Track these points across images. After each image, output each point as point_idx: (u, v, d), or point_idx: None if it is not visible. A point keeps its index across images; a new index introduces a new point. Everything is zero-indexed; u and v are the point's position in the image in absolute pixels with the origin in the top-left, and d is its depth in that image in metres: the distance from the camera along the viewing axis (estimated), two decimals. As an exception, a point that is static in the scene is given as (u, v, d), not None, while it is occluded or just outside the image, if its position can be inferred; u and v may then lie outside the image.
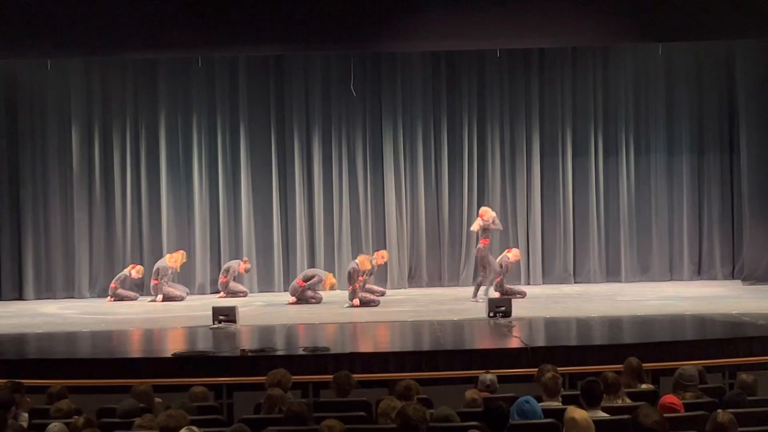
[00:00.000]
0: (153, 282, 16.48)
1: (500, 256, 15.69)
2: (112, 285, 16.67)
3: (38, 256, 17.50)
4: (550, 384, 7.50)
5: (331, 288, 15.93)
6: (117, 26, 13.22)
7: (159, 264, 16.52)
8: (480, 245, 15.47)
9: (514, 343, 11.18)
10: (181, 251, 16.76)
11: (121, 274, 16.74)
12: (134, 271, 16.78)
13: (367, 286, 15.75)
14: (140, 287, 17.13)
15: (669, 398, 7.14)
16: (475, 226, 15.59)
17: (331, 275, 16.14)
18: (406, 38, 13.91)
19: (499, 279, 15.51)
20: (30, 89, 17.50)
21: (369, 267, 15.42)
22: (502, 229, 16.00)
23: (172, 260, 16.48)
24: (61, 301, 16.94)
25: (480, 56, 17.72)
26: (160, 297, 16.29)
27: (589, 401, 7.03)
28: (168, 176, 17.67)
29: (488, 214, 15.53)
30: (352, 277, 15.01)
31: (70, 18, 13.11)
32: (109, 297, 16.70)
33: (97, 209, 17.64)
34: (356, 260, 15.35)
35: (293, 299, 15.73)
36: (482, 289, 15.35)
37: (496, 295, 15.09)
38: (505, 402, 7.03)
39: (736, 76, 17.41)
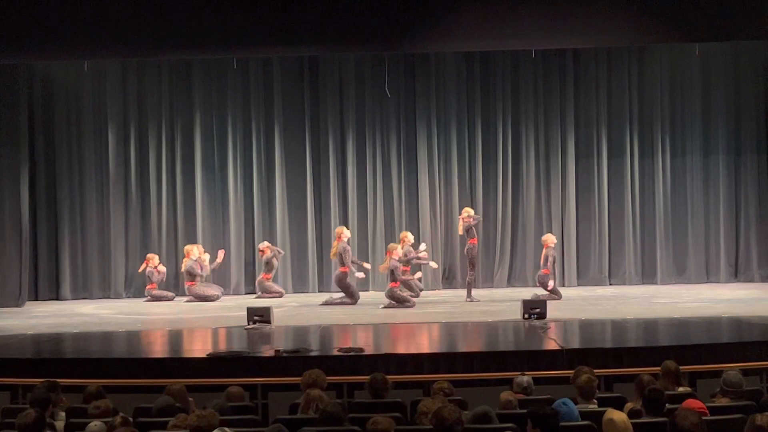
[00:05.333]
0: (188, 284, 16.57)
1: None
2: (149, 287, 16.79)
3: (75, 257, 17.64)
4: (586, 386, 7.47)
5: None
6: (152, 27, 13.30)
7: (187, 267, 16.54)
8: (469, 244, 15.64)
9: (549, 344, 11.14)
10: (188, 246, 16.83)
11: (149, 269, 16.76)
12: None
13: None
14: (176, 287, 17.21)
15: (694, 403, 7.04)
16: (461, 229, 15.85)
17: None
18: (441, 39, 13.88)
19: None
20: (67, 91, 17.65)
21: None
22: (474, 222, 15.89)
23: (193, 255, 16.54)
24: (97, 301, 17.06)
25: (514, 57, 17.68)
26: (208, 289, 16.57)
27: (653, 409, 6.85)
28: (203, 177, 17.76)
29: (467, 213, 15.78)
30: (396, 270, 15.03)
31: (106, 20, 13.21)
32: (146, 297, 16.85)
33: (133, 210, 17.75)
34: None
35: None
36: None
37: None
38: (542, 404, 6.98)
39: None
